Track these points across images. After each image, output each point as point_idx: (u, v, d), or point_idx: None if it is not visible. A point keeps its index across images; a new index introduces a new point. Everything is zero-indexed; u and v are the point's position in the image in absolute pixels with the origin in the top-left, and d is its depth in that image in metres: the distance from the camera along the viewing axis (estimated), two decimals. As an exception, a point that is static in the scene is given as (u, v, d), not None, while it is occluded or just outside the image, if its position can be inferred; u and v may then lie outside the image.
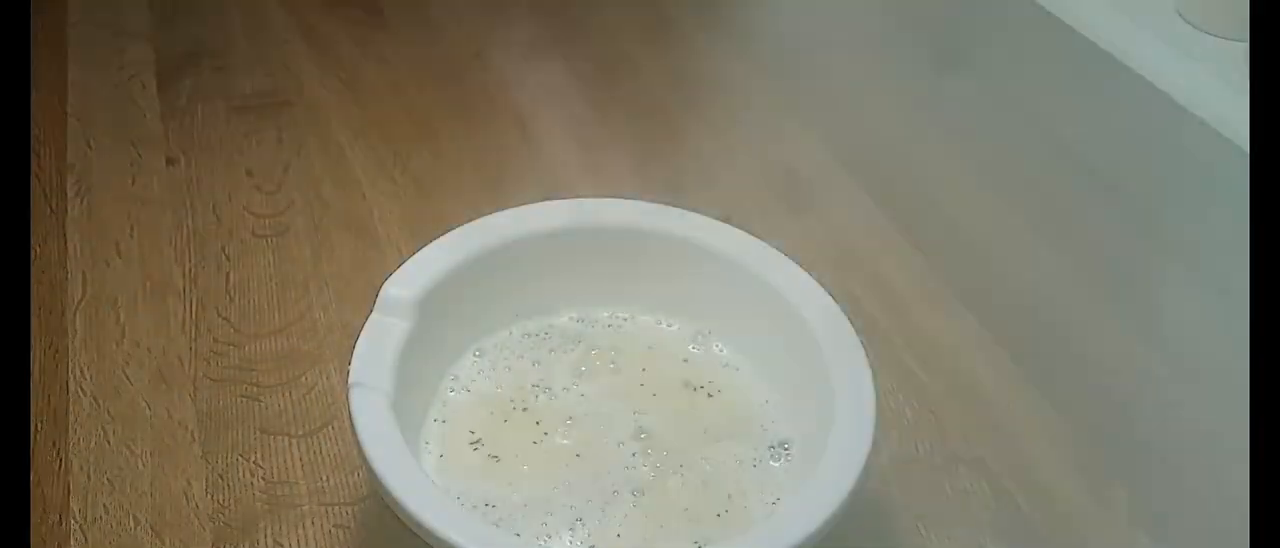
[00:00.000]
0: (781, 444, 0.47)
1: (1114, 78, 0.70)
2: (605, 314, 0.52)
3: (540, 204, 0.52)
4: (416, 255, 0.47)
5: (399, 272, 0.46)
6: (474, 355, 0.49)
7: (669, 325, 0.52)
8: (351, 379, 0.42)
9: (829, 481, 0.40)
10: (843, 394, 0.43)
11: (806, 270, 0.48)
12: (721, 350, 0.51)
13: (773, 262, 0.49)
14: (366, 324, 0.44)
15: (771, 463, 0.46)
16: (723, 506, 0.44)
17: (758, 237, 0.50)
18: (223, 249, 0.61)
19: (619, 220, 0.51)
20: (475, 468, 0.45)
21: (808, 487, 0.40)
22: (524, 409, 0.47)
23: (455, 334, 0.49)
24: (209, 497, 0.49)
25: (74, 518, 0.48)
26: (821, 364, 0.44)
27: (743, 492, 0.45)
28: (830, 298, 0.47)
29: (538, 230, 0.50)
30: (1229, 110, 0.62)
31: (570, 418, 0.47)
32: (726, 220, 0.50)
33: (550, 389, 0.48)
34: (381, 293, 0.45)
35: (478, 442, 0.46)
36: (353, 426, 0.40)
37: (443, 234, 0.48)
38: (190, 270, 0.60)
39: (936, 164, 0.71)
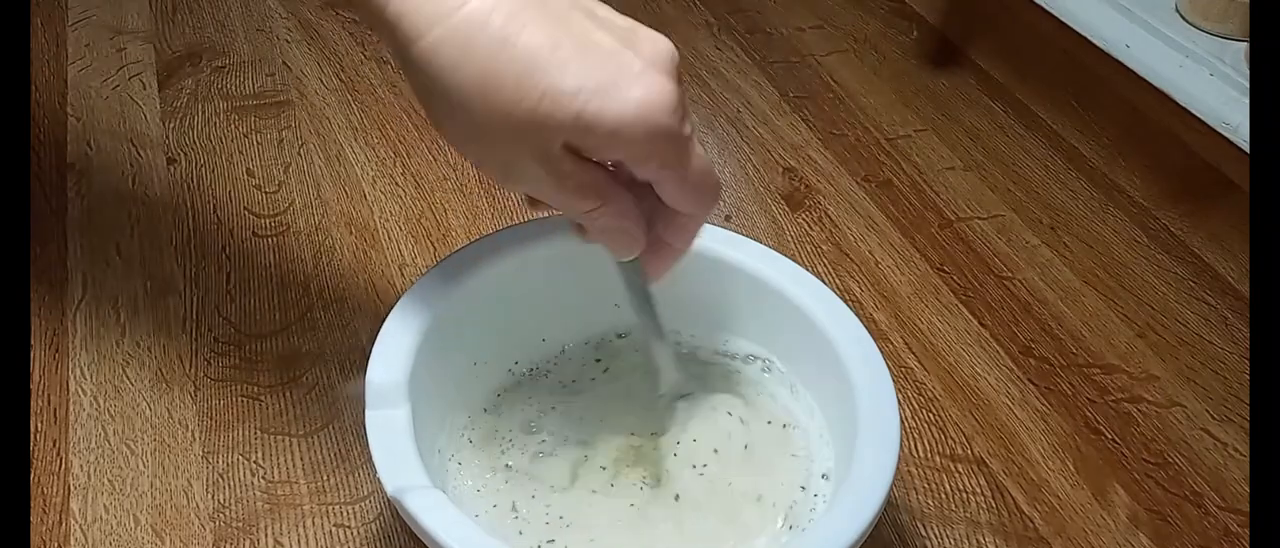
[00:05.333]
0: (804, 464, 0.45)
1: (1114, 78, 0.70)
2: (616, 327, 0.51)
3: (543, 219, 0.48)
4: (416, 285, 0.45)
5: (399, 311, 0.43)
6: (483, 411, 0.48)
7: (690, 335, 0.50)
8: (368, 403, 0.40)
9: (848, 511, 0.38)
10: (868, 423, 0.41)
11: (806, 270, 0.48)
12: (740, 367, 0.49)
13: (794, 276, 0.47)
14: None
15: (791, 486, 0.44)
16: (738, 521, 0.43)
17: (757, 237, 0.50)
18: (223, 249, 0.61)
19: None
20: (488, 478, 0.45)
21: (826, 519, 0.39)
22: (543, 433, 0.46)
23: (458, 392, 0.46)
24: (209, 497, 0.49)
25: (74, 518, 0.48)
26: (848, 388, 0.43)
27: (760, 514, 0.44)
28: (857, 320, 0.45)
29: (539, 252, 0.47)
30: (1229, 110, 0.62)
31: (584, 439, 0.46)
32: (726, 220, 0.50)
33: (566, 407, 0.47)
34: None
35: (493, 452, 0.46)
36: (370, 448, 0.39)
37: (442, 235, 0.48)
38: (190, 270, 0.60)
39: (936, 164, 0.71)
